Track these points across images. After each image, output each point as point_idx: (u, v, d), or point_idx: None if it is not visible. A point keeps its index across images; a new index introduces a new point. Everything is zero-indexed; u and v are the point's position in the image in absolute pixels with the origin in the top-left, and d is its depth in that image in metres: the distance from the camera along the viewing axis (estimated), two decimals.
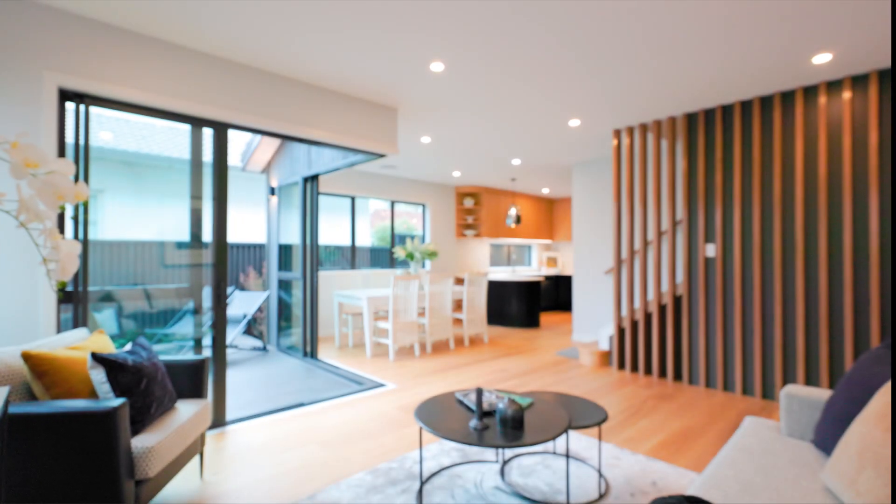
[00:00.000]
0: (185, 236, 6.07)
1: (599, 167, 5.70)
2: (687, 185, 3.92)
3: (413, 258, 5.53)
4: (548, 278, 9.02)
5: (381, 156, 3.77)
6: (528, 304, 6.89)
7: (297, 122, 3.20)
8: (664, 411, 3.19)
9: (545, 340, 5.86)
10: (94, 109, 2.67)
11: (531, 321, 6.91)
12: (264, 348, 4.95)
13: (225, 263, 2.93)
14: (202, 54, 2.76)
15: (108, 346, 1.81)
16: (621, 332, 4.37)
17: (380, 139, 3.67)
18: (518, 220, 7.11)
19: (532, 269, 9.68)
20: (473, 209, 7.93)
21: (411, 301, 4.82)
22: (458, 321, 6.77)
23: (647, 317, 4.19)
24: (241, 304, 4.95)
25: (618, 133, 4.42)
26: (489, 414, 1.93)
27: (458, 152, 5.32)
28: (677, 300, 4.02)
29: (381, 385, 3.72)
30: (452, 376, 4.04)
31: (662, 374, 4.09)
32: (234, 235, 7.16)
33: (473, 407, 1.95)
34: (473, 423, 1.77)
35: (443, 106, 3.75)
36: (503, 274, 8.40)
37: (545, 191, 8.39)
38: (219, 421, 2.80)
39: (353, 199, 6.59)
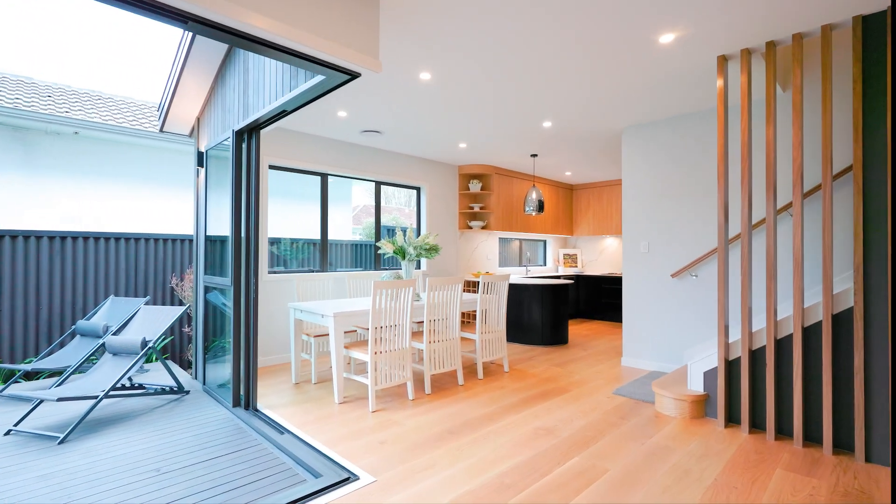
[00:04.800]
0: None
1: (664, 129, 4.15)
2: (863, 127, 2.36)
3: (405, 256, 3.93)
4: (566, 279, 7.48)
5: (352, 74, 2.16)
6: (554, 314, 5.32)
7: None
8: None
9: (584, 367, 4.29)
10: None
11: (557, 337, 5.34)
12: (180, 389, 3.31)
13: None
14: None
15: None
16: (730, 366, 2.81)
17: (351, 41, 2.06)
18: (541, 206, 5.55)
19: (547, 269, 8.13)
20: (481, 195, 6.34)
21: (402, 317, 3.22)
22: (466, 342, 5.16)
23: (779, 344, 2.64)
24: (144, 324, 3.31)
25: (725, 62, 2.85)
26: None
27: (471, 105, 3.74)
28: (839, 317, 2.46)
29: (349, 478, 2.10)
30: (469, 449, 2.44)
31: (811, 436, 2.54)
32: (158, 225, 5.49)
33: None
34: None
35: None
36: (517, 275, 6.83)
37: (568, 174, 6.84)
38: None
39: (324, 176, 4.96)
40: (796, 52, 2.54)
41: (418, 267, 5.89)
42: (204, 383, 3.53)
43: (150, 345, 3.04)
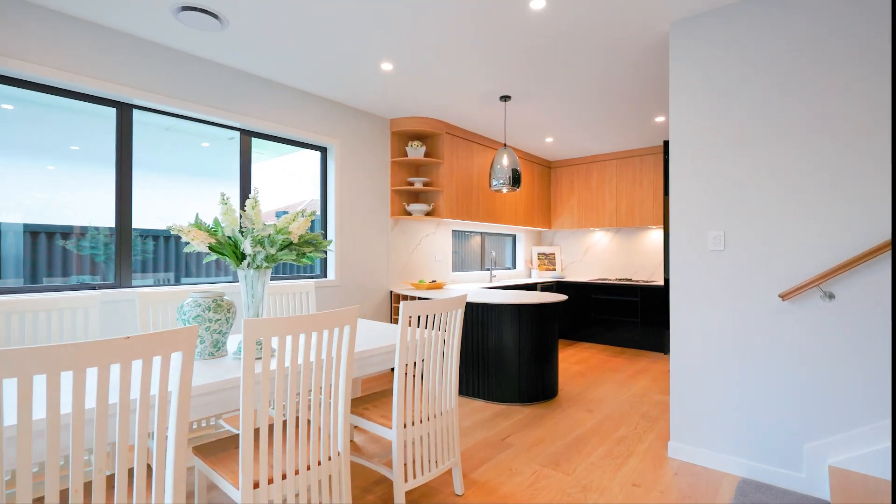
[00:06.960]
0: None
1: (752, 21, 2.22)
2: None
3: (240, 259, 1.74)
4: (544, 288, 5.57)
5: None
6: (538, 350, 3.32)
7: None
8: None
9: (603, 469, 2.30)
10: None
11: (542, 387, 3.34)
12: None
13: None
14: None
15: None
16: None
17: None
18: (516, 179, 3.54)
19: (517, 273, 6.18)
20: (426, 164, 4.26)
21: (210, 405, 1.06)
22: (369, 437, 3.01)
23: None
24: None
25: None
26: None
27: None
28: None
29: None
30: None
31: None
32: None
33: None
34: None
35: None
36: (478, 284, 4.79)
37: (549, 140, 4.89)
38: None
39: (123, 107, 2.67)
40: None
41: (324, 275, 3.71)
42: None
43: None
